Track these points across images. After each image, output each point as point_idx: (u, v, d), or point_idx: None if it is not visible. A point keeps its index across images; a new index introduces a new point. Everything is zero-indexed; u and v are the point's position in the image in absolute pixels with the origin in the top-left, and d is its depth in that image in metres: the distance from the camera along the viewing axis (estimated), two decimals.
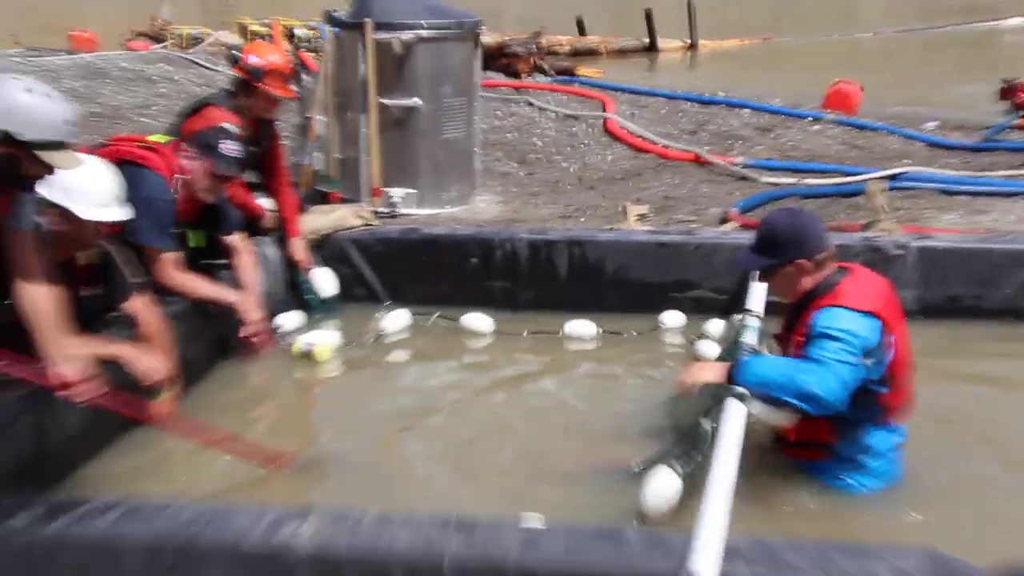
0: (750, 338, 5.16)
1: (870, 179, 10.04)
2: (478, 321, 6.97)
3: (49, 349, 4.61)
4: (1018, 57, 22.30)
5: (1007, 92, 13.92)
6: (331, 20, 9.16)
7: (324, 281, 7.26)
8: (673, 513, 4.42)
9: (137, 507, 3.90)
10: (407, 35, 8.58)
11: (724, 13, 30.47)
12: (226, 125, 6.42)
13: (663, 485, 4.42)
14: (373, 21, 8.49)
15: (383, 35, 8.52)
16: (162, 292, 5.94)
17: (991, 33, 26.48)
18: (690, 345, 6.52)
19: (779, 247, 4.59)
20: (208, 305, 6.28)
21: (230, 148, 6.12)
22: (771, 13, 35.95)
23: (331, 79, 8.77)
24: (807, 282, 4.60)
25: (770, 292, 5.43)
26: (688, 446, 4.57)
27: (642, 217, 7.88)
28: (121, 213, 5.20)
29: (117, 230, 5.39)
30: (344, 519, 3.79)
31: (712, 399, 4.61)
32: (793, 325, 4.67)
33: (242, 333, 6.36)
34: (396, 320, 7.00)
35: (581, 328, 6.83)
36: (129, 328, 5.48)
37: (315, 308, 7.17)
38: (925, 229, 7.67)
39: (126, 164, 5.76)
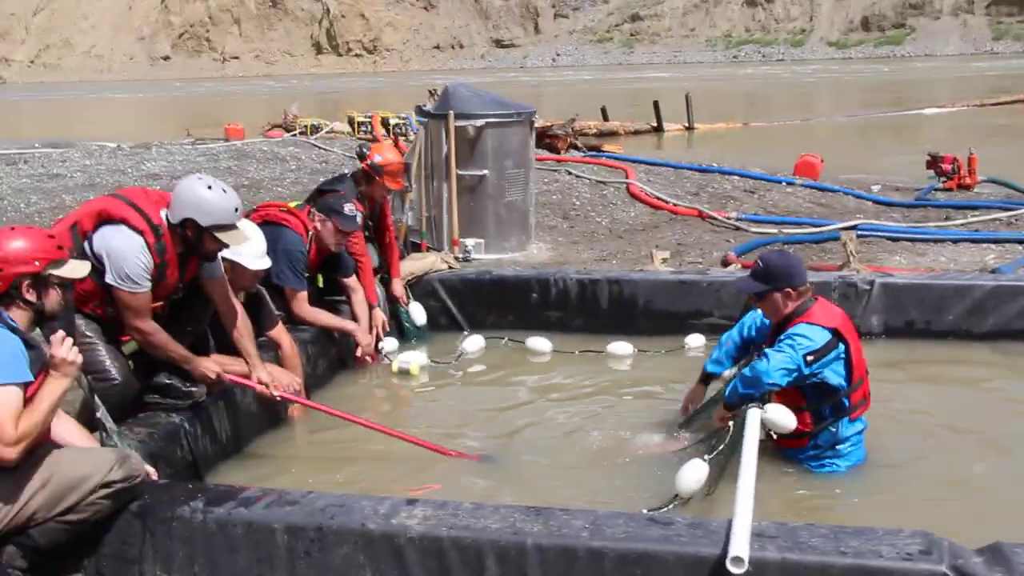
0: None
1: (836, 229, 9.90)
2: (540, 343, 6.73)
3: (254, 361, 4.91)
4: (935, 136, 21.98)
5: (932, 163, 13.59)
6: (421, 112, 9.48)
7: (417, 312, 7.06)
8: (703, 491, 4.26)
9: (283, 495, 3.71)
10: (479, 122, 8.77)
11: (713, 102, 30.40)
12: (340, 191, 6.33)
13: (695, 471, 4.25)
14: (454, 112, 8.62)
15: (460, 123, 8.70)
16: (296, 322, 5.91)
17: (916, 118, 26.30)
18: None
19: (771, 277, 4.58)
20: (331, 332, 6.17)
21: (351, 209, 6.08)
22: (747, 103, 35.86)
23: (422, 156, 8.69)
24: (789, 307, 4.57)
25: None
26: (714, 441, 4.47)
27: (665, 260, 7.66)
28: (268, 262, 5.34)
29: (264, 275, 5.38)
30: (445, 506, 3.57)
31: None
32: (774, 340, 4.64)
33: (357, 354, 6.26)
34: (473, 343, 6.77)
35: (620, 348, 6.58)
36: (273, 350, 5.40)
37: (410, 334, 6.98)
38: (887, 268, 7.52)
39: (271, 224, 5.82)
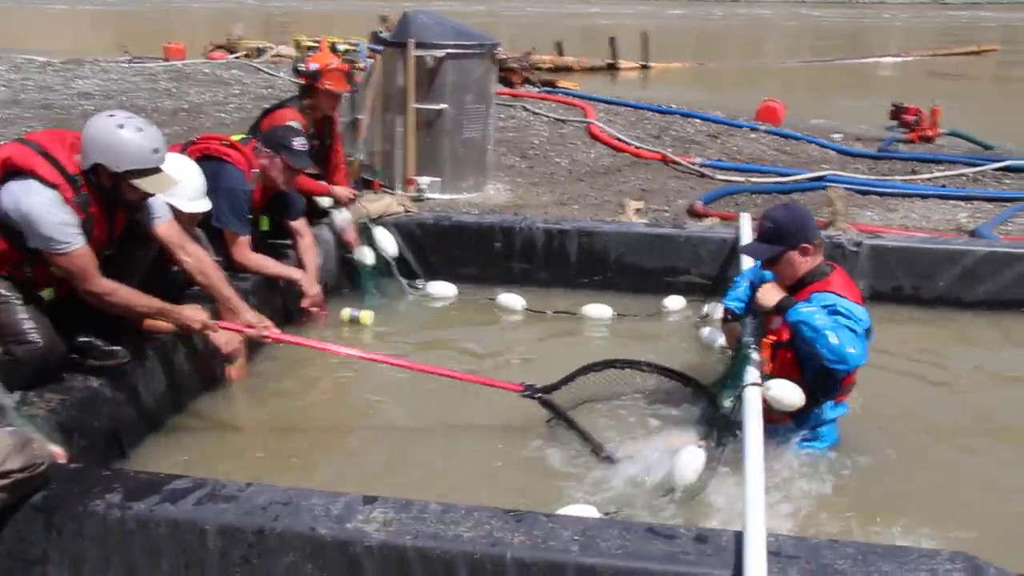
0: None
1: (804, 179, 9.51)
2: (511, 300, 6.13)
3: (236, 303, 4.41)
4: (892, 84, 21.65)
5: (896, 113, 13.23)
6: (377, 40, 8.87)
7: (385, 239, 6.41)
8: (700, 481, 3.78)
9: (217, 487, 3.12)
10: (439, 52, 8.07)
11: (667, 41, 29.64)
12: (291, 123, 5.69)
13: (692, 460, 3.79)
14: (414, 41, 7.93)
15: (419, 52, 7.99)
16: (236, 269, 5.26)
17: (876, 66, 25.87)
18: (695, 329, 5.69)
19: (784, 236, 4.08)
20: (275, 280, 5.52)
21: (302, 144, 5.39)
22: (698, 42, 35.17)
23: (377, 87, 8.00)
24: (805, 265, 4.08)
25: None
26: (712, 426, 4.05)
27: (639, 211, 7.09)
28: (208, 204, 4.69)
29: (201, 218, 4.72)
30: (409, 508, 3.00)
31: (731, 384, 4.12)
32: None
33: (303, 304, 5.62)
34: (442, 289, 6.27)
35: (597, 311, 5.99)
36: (210, 301, 4.71)
37: (364, 281, 6.29)
38: (874, 228, 7.03)
39: (211, 159, 5.12)
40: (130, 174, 3.82)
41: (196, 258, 4.31)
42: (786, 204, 4.44)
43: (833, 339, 3.76)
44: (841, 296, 3.94)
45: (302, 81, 6.39)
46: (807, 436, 4.13)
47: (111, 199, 3.93)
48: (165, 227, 4.20)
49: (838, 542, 2.82)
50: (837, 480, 3.95)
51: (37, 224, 3.71)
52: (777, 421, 4.02)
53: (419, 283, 6.34)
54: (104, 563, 3.00)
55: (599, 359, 4.48)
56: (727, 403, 3.93)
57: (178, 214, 4.45)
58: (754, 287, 4.52)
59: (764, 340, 4.08)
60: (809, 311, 3.84)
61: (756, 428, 3.49)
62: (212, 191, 4.85)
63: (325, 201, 6.31)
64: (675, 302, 6.04)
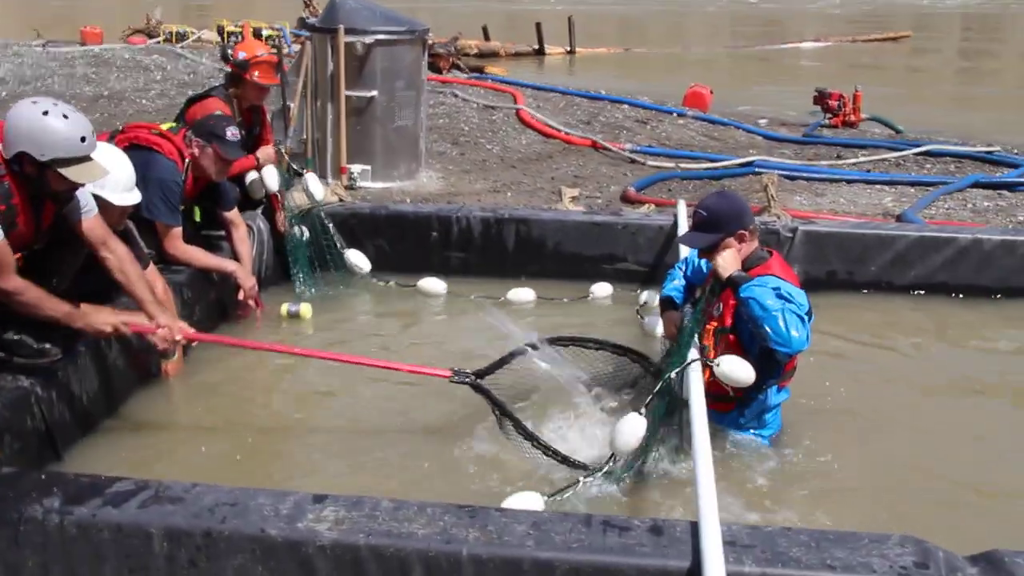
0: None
1: (734, 165, 9.61)
2: (434, 284, 6.12)
3: (151, 306, 4.13)
4: (812, 70, 21.98)
5: (820, 99, 13.39)
6: (305, 25, 8.63)
7: (315, 184, 6.35)
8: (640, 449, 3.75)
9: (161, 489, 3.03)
10: (369, 39, 7.94)
11: (591, 26, 29.66)
12: (217, 113, 5.55)
13: (632, 426, 3.72)
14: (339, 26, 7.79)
15: (348, 38, 7.86)
16: (169, 262, 5.13)
17: (796, 52, 26.21)
18: (638, 318, 5.68)
19: (720, 224, 4.05)
20: (210, 273, 5.40)
21: (234, 134, 5.26)
22: (623, 27, 35.26)
23: (308, 74, 7.86)
24: (743, 251, 4.07)
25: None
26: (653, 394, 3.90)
27: (575, 199, 7.08)
28: (138, 196, 4.51)
29: (132, 210, 4.55)
30: (360, 505, 2.96)
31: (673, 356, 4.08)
32: (723, 289, 4.11)
33: (238, 297, 5.48)
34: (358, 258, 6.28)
35: (522, 295, 6.02)
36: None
37: (298, 272, 6.16)
38: (807, 214, 7.12)
39: (140, 149, 4.95)
40: (56, 163, 3.65)
41: (117, 256, 4.12)
42: (720, 192, 4.45)
43: (780, 321, 3.75)
44: (783, 280, 3.95)
45: (229, 69, 6.25)
46: (752, 424, 4.15)
47: (37, 190, 3.77)
48: (90, 223, 4.04)
49: (791, 530, 2.85)
50: (782, 467, 3.99)
51: None
52: (722, 409, 4.05)
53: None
54: (43, 571, 2.90)
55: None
56: (672, 376, 3.88)
57: (108, 207, 4.30)
58: (689, 280, 4.54)
59: (707, 327, 4.07)
60: (762, 290, 3.83)
61: (702, 419, 3.48)
62: (142, 182, 4.68)
63: (253, 177, 6.19)
64: (602, 288, 6.07)
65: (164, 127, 5.30)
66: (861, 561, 2.68)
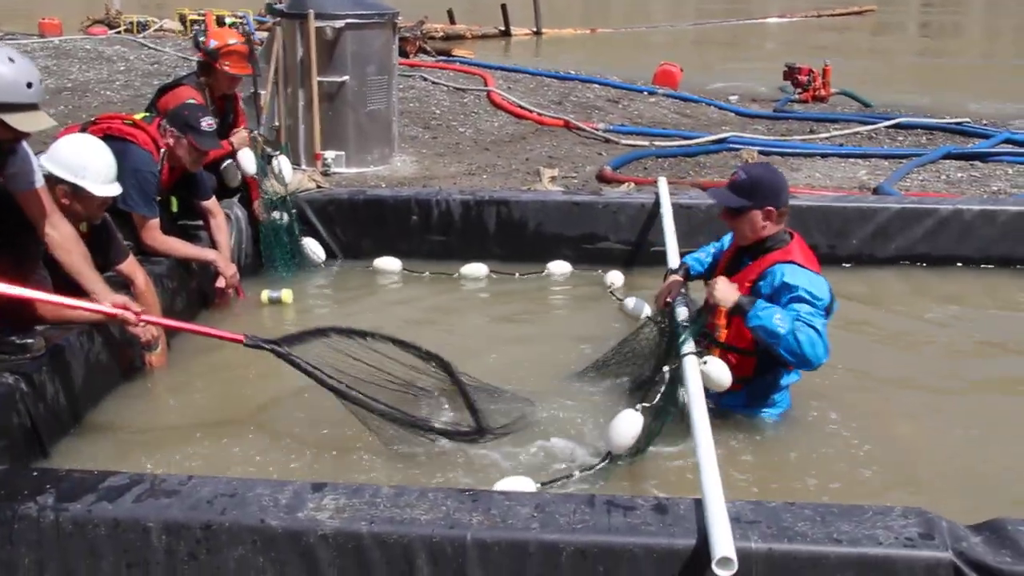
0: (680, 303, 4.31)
1: (708, 142, 9.63)
2: (389, 263, 6.22)
3: (96, 287, 3.98)
4: (779, 45, 22.06)
5: (789, 74, 13.43)
6: (272, 11, 8.50)
7: (286, 168, 6.30)
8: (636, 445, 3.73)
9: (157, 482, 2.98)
10: (338, 23, 7.87)
11: (556, 6, 29.57)
12: (190, 102, 5.46)
13: (629, 424, 3.70)
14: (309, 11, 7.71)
15: (318, 23, 7.78)
16: (147, 254, 5.06)
17: (758, 27, 26.31)
18: (615, 299, 5.71)
19: (756, 193, 3.96)
20: (189, 263, 5.33)
21: (209, 124, 5.18)
22: (587, 8, 35.24)
23: (278, 60, 7.76)
24: (765, 230, 4.00)
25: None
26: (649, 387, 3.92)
27: (554, 179, 7.05)
28: (119, 188, 4.40)
29: (111, 203, 4.47)
30: (360, 493, 2.92)
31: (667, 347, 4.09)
32: (738, 269, 4.10)
33: (218, 285, 5.43)
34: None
35: (474, 270, 6.14)
36: (123, 287, 4.56)
37: (278, 259, 6.13)
38: (791, 189, 7.11)
39: (114, 139, 4.83)
40: (1, 109, 3.44)
41: (61, 234, 3.90)
42: (766, 164, 4.40)
43: (793, 343, 3.70)
44: (802, 267, 3.89)
45: (200, 58, 6.16)
46: (761, 403, 4.12)
47: None
48: (32, 194, 3.81)
49: (796, 504, 2.84)
50: (788, 444, 3.98)
51: None
52: (733, 388, 3.98)
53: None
54: (39, 568, 2.84)
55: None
56: (664, 369, 3.87)
57: (87, 197, 4.23)
58: (716, 257, 4.51)
59: (720, 308, 3.98)
60: (768, 313, 3.74)
61: (699, 395, 3.48)
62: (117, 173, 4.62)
63: (228, 163, 6.13)
64: (559, 266, 6.12)
65: (137, 117, 5.21)
66: (867, 534, 2.68)
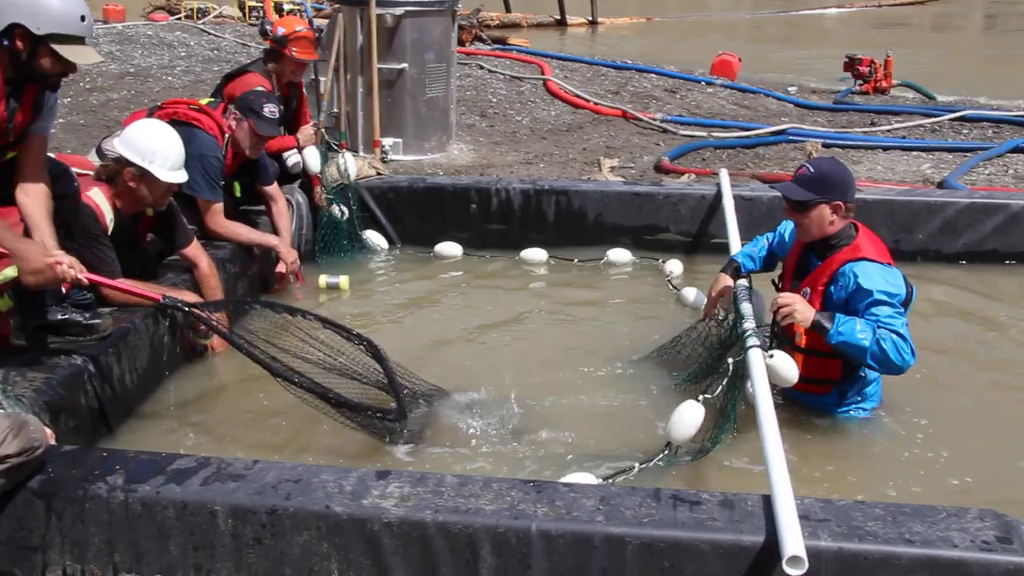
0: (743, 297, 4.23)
1: (767, 133, 9.50)
2: (450, 248, 6.29)
3: (50, 239, 3.64)
4: (838, 35, 21.72)
5: (850, 65, 13.20)
6: None
7: (351, 163, 6.36)
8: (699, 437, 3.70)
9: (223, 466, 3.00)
10: (398, 10, 7.87)
11: None
12: (259, 88, 5.49)
13: (691, 414, 3.66)
14: None
15: (378, 10, 7.75)
16: (210, 238, 5.11)
17: (820, 18, 25.94)
18: (673, 289, 5.67)
19: (825, 187, 3.84)
20: (251, 248, 5.37)
21: (272, 111, 5.20)
22: None
23: (339, 47, 7.78)
24: (833, 226, 3.87)
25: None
26: (711, 379, 3.91)
27: (613, 168, 7.00)
28: (184, 176, 4.42)
29: (176, 190, 4.52)
30: (425, 482, 2.92)
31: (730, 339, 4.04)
32: (807, 271, 4.01)
33: (278, 270, 5.48)
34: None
35: (534, 254, 6.18)
36: (186, 271, 4.62)
37: (338, 236, 6.20)
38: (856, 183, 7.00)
39: (180, 124, 4.87)
40: (52, 38, 3.41)
41: (38, 187, 3.66)
42: (832, 157, 4.30)
43: (879, 353, 3.64)
44: (873, 262, 3.79)
45: (268, 45, 6.21)
46: (853, 402, 4.03)
47: (23, 71, 3.49)
48: (42, 139, 3.72)
49: (866, 503, 2.78)
50: (862, 443, 3.91)
51: None
52: (819, 392, 3.97)
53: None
54: (108, 548, 2.88)
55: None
56: (729, 361, 3.80)
57: (153, 182, 4.28)
58: (773, 250, 4.43)
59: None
60: (848, 328, 3.66)
61: (765, 389, 3.42)
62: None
63: (293, 159, 6.17)
64: (619, 254, 6.08)
65: (203, 102, 5.25)
66: (941, 535, 2.61)
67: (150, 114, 4.96)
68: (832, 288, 3.85)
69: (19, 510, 2.89)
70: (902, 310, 3.74)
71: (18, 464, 2.81)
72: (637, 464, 3.64)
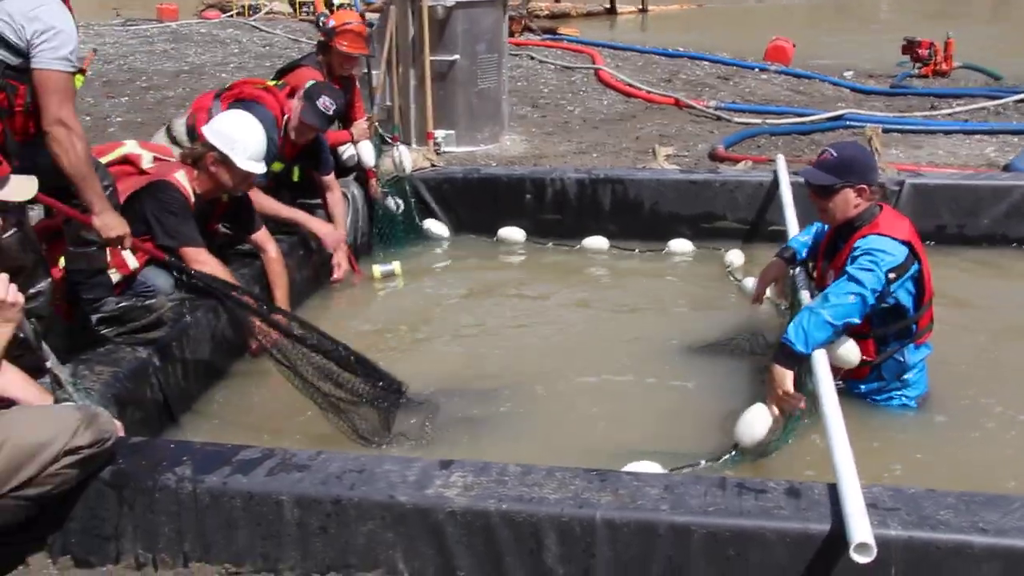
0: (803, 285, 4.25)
1: (823, 119, 9.38)
2: (513, 234, 6.33)
3: (94, 199, 3.55)
4: (892, 18, 21.37)
5: (908, 48, 12.99)
6: None
7: (406, 157, 6.45)
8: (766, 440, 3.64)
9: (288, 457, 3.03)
10: (449, 1, 7.90)
11: None
12: (324, 83, 5.56)
13: (758, 419, 3.63)
14: None
15: (430, 2, 7.79)
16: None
17: (875, 2, 25.53)
18: (734, 280, 5.65)
19: (848, 170, 3.84)
20: (307, 241, 5.44)
21: (326, 104, 5.25)
22: None
23: (392, 39, 7.81)
24: (859, 207, 3.86)
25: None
26: None
27: (669, 157, 6.98)
28: (262, 168, 4.54)
29: (251, 181, 4.65)
30: (488, 471, 2.93)
31: None
32: (834, 253, 4.00)
33: (334, 261, 5.52)
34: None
35: (596, 242, 6.20)
36: (255, 257, 4.83)
37: (396, 234, 6.27)
38: (914, 167, 6.91)
39: (243, 101, 5.03)
40: None
41: (72, 135, 3.42)
42: (854, 142, 4.29)
43: (842, 314, 3.62)
44: (882, 235, 3.76)
45: (322, 38, 6.26)
46: (892, 388, 3.98)
47: None
48: (50, 75, 3.40)
49: (936, 492, 2.74)
50: (926, 430, 3.85)
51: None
52: (857, 376, 3.91)
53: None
54: (178, 537, 2.93)
55: None
56: None
57: (231, 167, 4.39)
58: (816, 238, 4.40)
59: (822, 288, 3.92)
60: (803, 334, 3.59)
61: (827, 378, 3.39)
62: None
63: (348, 153, 6.23)
64: (680, 244, 6.08)
65: (270, 83, 5.37)
66: (1015, 525, 2.57)
67: (218, 96, 5.09)
68: (848, 267, 3.80)
69: (92, 500, 2.95)
70: (878, 261, 3.67)
71: (90, 455, 2.87)
72: (704, 461, 3.61)
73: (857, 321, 3.68)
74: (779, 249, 4.53)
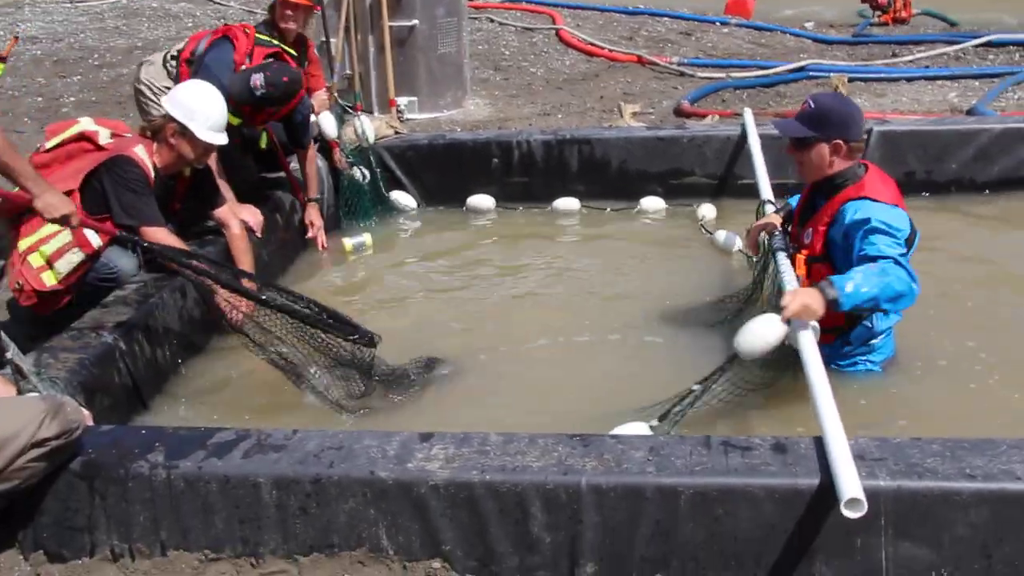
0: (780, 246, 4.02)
1: (786, 71, 9.33)
2: (483, 201, 6.27)
3: (27, 183, 3.49)
4: None
5: None
6: None
7: (368, 126, 6.30)
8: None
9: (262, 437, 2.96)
10: None
11: None
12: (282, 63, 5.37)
13: (767, 327, 3.37)
14: None
15: None
16: None
17: None
18: (706, 233, 5.60)
19: (824, 123, 3.62)
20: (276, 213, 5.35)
21: (256, 83, 4.86)
22: None
23: (348, 5, 7.65)
24: (835, 165, 3.65)
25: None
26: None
27: (635, 114, 6.90)
28: (224, 139, 4.41)
29: (212, 152, 4.55)
30: (469, 441, 2.87)
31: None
32: (813, 212, 3.80)
33: (306, 220, 5.53)
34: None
35: (567, 204, 6.14)
36: (219, 234, 4.72)
37: (363, 208, 6.14)
38: (880, 114, 6.88)
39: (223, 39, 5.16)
40: None
41: None
42: (837, 93, 4.10)
43: (891, 293, 3.36)
44: (876, 202, 3.56)
45: None
46: (858, 353, 3.85)
47: None
48: None
49: (922, 439, 2.71)
50: (896, 391, 3.79)
51: None
52: (823, 341, 3.76)
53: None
54: (154, 525, 2.85)
55: None
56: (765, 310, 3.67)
57: (191, 139, 4.29)
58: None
59: (797, 255, 3.78)
60: (855, 288, 3.32)
61: (808, 332, 3.32)
62: (198, 62, 5.01)
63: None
64: (652, 202, 6.03)
65: (263, 37, 5.28)
66: (1003, 468, 2.55)
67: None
68: (833, 228, 3.66)
69: (63, 492, 2.87)
70: (901, 241, 3.50)
71: (58, 447, 2.78)
72: (695, 384, 3.48)
73: (890, 308, 3.57)
74: (773, 203, 4.46)
